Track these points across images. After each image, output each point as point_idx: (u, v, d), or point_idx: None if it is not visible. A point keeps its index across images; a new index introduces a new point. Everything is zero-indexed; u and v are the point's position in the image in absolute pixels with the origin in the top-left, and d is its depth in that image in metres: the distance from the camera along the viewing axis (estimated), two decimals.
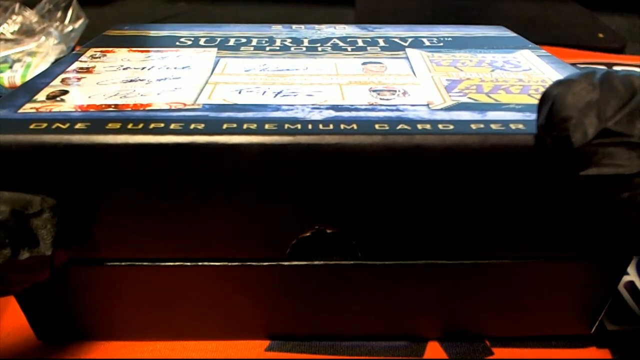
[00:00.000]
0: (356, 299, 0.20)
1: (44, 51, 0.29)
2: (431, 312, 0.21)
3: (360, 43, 0.27)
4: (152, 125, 0.17)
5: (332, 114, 0.18)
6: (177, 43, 0.26)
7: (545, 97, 0.15)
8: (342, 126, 0.17)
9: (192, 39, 0.27)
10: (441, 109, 0.18)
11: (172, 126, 0.17)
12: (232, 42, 0.27)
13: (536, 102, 0.19)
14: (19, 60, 0.33)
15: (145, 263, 0.19)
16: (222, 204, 0.17)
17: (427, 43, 0.27)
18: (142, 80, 0.21)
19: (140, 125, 0.17)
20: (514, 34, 0.29)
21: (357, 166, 0.16)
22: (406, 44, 0.27)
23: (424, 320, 0.21)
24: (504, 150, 0.16)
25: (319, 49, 0.26)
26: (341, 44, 0.27)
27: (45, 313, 0.20)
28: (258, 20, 0.30)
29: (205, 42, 0.26)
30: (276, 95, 0.20)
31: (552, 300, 0.20)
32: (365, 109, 0.18)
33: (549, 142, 0.15)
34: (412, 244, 0.18)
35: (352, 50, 0.26)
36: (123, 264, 0.19)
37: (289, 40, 0.27)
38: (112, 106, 0.18)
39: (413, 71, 0.22)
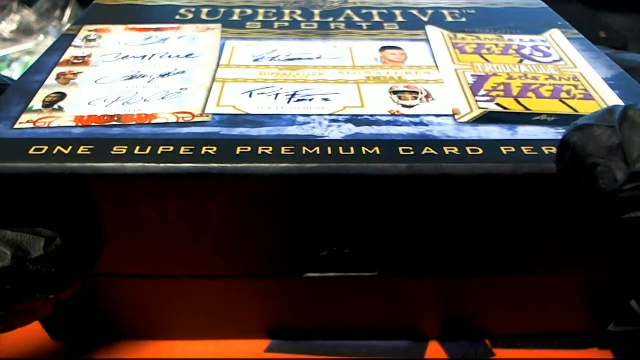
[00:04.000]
0: (359, 299, 0.20)
1: (43, 50, 0.27)
2: (434, 312, 0.21)
3: (376, 17, 0.25)
4: (160, 150, 0.15)
5: (351, 129, 0.17)
6: (177, 17, 0.24)
7: (565, 144, 0.14)
8: (364, 150, 0.16)
9: (193, 10, 0.25)
10: (468, 123, 0.17)
11: (182, 150, 0.15)
12: (236, 15, 0.24)
13: (568, 110, 0.18)
14: (17, 60, 0.31)
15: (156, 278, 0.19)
16: (236, 227, 0.16)
17: (449, 18, 0.25)
18: (143, 78, 0.19)
19: (148, 150, 0.15)
20: (542, 4, 0.26)
21: (379, 195, 0.16)
22: (426, 19, 0.24)
23: (427, 319, 0.21)
24: (535, 180, 0.15)
25: (332, 25, 0.24)
26: (355, 18, 0.24)
27: (57, 314, 0.20)
28: None
29: (207, 14, 0.24)
30: (290, 100, 0.18)
31: (565, 304, 0.21)
32: (387, 123, 0.17)
33: (576, 186, 0.14)
34: (430, 263, 0.18)
35: (368, 27, 0.24)
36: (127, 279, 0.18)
37: (299, 12, 0.25)
38: (115, 118, 0.17)
39: (435, 62, 0.21)
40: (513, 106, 0.18)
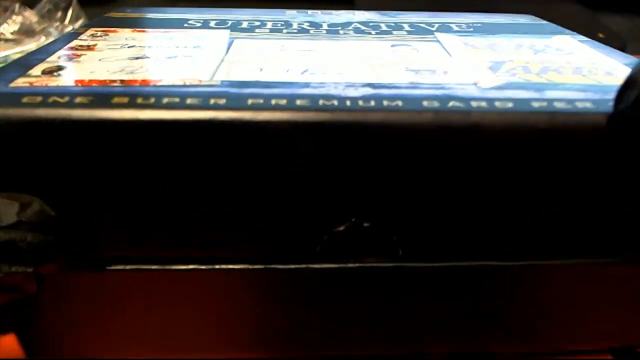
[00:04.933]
0: (384, 307, 0.18)
1: None
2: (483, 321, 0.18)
3: (384, 27, 0.25)
4: (165, 100, 0.14)
5: (369, 91, 0.16)
6: (186, 25, 0.24)
7: (631, 82, 0.13)
8: (385, 103, 0.15)
9: (202, 21, 0.25)
10: (493, 88, 0.16)
11: (189, 101, 0.14)
12: (245, 24, 0.24)
13: (595, 82, 0.17)
14: None
15: (152, 267, 0.16)
16: (246, 191, 0.15)
17: (456, 28, 0.25)
18: (149, 58, 0.19)
19: (152, 100, 0.14)
20: (546, 22, 0.27)
21: (403, 148, 0.14)
22: (434, 29, 0.25)
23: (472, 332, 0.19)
24: (573, 131, 0.14)
25: (341, 32, 0.24)
26: (363, 27, 0.24)
27: (33, 327, 0.18)
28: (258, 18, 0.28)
29: (216, 24, 0.24)
30: (303, 72, 0.17)
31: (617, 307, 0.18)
32: (407, 87, 0.16)
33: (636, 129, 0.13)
34: (463, 241, 0.16)
35: (377, 33, 0.23)
36: (124, 267, 0.16)
37: (307, 23, 0.25)
38: (118, 82, 0.16)
39: (449, 54, 0.20)
40: (536, 79, 0.17)
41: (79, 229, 0.15)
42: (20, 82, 0.16)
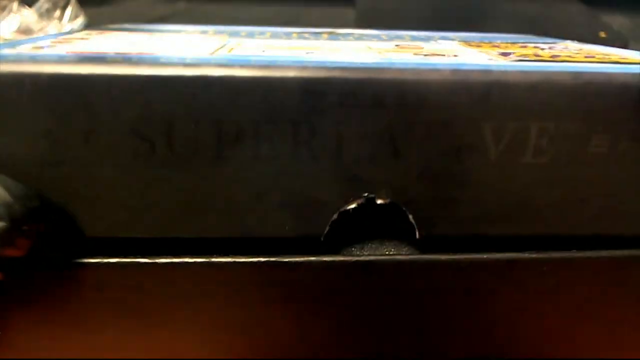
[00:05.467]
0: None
1: None
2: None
3: (384, 37, 0.24)
4: (162, 60, 0.13)
5: (381, 60, 0.15)
6: (184, 32, 0.24)
7: None
8: (399, 65, 0.14)
9: (200, 30, 0.24)
10: (509, 62, 0.15)
11: (188, 61, 0.13)
12: (244, 33, 0.24)
13: (611, 62, 0.16)
14: None
15: (138, 259, 0.14)
16: (246, 159, 0.13)
17: (457, 40, 0.25)
18: (148, 44, 0.18)
19: (149, 60, 0.13)
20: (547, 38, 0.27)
21: (421, 108, 0.13)
22: (436, 37, 0.24)
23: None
24: (603, 87, 0.13)
25: (342, 39, 0.23)
26: (364, 36, 0.24)
27: None
28: (258, 18, 0.28)
29: (215, 32, 0.24)
30: (308, 53, 0.17)
31: None
32: (418, 62, 0.15)
33: None
34: (490, 219, 0.14)
35: (378, 40, 0.23)
36: (104, 261, 0.14)
37: (307, 34, 0.25)
38: (112, 52, 0.15)
39: (456, 49, 0.20)
40: (550, 60, 0.17)
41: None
42: (4, 50, 0.15)
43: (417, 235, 0.15)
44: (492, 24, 0.35)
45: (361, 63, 0.13)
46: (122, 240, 0.14)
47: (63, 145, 0.13)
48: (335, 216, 0.14)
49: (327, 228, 0.14)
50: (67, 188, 0.13)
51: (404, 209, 0.14)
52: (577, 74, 0.13)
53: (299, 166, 0.13)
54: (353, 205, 0.14)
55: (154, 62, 0.13)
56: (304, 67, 0.13)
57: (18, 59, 0.13)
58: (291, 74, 0.13)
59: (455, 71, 0.13)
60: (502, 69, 0.13)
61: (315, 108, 0.13)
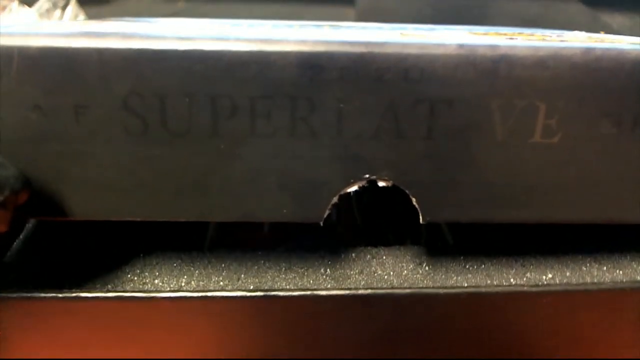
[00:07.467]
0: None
1: None
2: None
3: (387, 29, 0.24)
4: (154, 33, 0.13)
5: (388, 37, 0.14)
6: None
7: None
8: (403, 40, 0.13)
9: (201, 24, 0.24)
10: (517, 41, 0.15)
11: (182, 34, 0.13)
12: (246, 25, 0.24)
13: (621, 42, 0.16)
14: None
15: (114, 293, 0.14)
16: (244, 139, 0.13)
17: (462, 30, 0.24)
18: (146, 25, 0.17)
19: (140, 34, 0.13)
20: None
21: (425, 84, 0.13)
22: (439, 31, 0.24)
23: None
24: (616, 63, 0.13)
25: (343, 29, 0.23)
26: (367, 27, 0.24)
27: None
28: (258, 18, 0.28)
29: (217, 25, 0.24)
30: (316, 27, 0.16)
31: None
32: (423, 39, 0.15)
33: None
34: (498, 203, 0.14)
35: (381, 30, 0.23)
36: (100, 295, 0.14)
37: (309, 25, 0.24)
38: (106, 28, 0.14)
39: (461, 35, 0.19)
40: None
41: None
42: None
43: (421, 220, 0.14)
44: (492, 24, 0.35)
45: (363, 39, 0.13)
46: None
47: (52, 120, 0.12)
48: (335, 199, 0.14)
49: (327, 212, 0.14)
50: (55, 165, 0.13)
51: (406, 191, 0.14)
52: (587, 49, 0.13)
53: (297, 144, 0.13)
54: (354, 188, 0.14)
55: (147, 35, 0.12)
56: (302, 41, 0.12)
57: (7, 33, 0.12)
58: (289, 47, 0.12)
59: (461, 46, 0.13)
60: (510, 44, 0.13)
61: (314, 82, 0.12)
